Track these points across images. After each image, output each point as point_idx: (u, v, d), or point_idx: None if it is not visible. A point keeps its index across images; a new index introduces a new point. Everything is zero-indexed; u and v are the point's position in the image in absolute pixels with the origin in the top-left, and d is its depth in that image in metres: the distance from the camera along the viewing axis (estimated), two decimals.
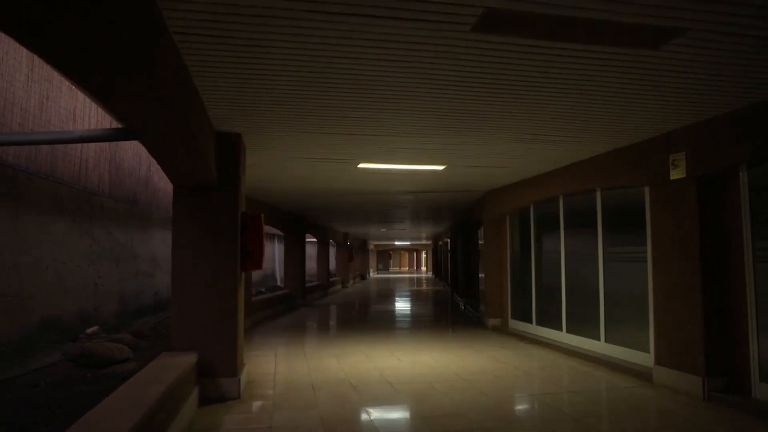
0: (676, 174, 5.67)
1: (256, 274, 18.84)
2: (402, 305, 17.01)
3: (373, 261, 51.24)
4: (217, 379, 5.41)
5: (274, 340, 9.53)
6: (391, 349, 8.43)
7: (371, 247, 46.47)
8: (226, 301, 5.52)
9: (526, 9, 2.93)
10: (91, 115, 8.86)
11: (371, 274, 46.70)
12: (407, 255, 66.28)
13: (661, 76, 4.08)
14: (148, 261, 11.41)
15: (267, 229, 21.23)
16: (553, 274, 8.80)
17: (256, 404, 5.27)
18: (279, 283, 21.89)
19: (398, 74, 4.01)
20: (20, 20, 2.01)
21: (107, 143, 9.42)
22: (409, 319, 13.11)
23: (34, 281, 6.98)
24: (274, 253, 23.45)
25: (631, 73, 4.00)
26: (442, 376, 6.44)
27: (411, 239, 38.40)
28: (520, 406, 5.25)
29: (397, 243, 47.72)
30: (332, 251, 29.06)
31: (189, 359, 4.95)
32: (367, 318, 13.41)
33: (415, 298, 20.28)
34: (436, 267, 36.61)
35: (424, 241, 42.27)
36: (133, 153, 10.77)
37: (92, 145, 8.77)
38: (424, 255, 62.19)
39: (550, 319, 8.84)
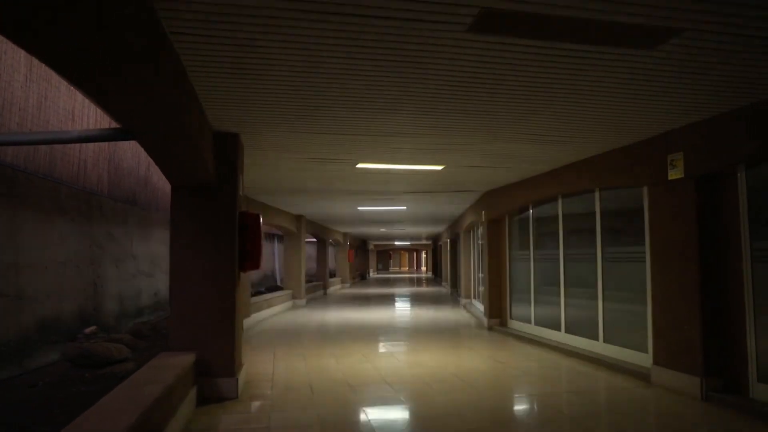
0: (675, 174, 5.67)
1: (255, 274, 18.84)
2: (401, 305, 17.01)
3: (372, 261, 51.22)
4: (215, 379, 5.41)
5: (273, 341, 9.54)
6: (390, 349, 8.43)
7: (371, 247, 46.47)
8: (224, 301, 5.52)
9: (523, 9, 2.93)
10: (90, 115, 8.86)
11: (371, 274, 46.69)
12: (407, 255, 66.30)
13: (657, 76, 4.08)
14: (147, 261, 11.41)
15: (267, 228, 21.24)
16: (551, 274, 8.80)
17: (254, 404, 5.27)
18: (279, 283, 21.89)
19: (395, 74, 4.01)
20: (14, 20, 2.01)
21: (106, 143, 9.42)
22: (408, 319, 13.11)
23: (33, 281, 6.98)
24: (274, 253, 23.45)
25: (627, 73, 4.01)
26: (440, 376, 6.44)
27: (411, 239, 38.42)
28: (519, 407, 5.25)
29: (397, 243, 47.73)
30: (332, 251, 29.07)
31: (187, 359, 4.95)
32: (366, 318, 13.40)
33: (415, 298, 20.28)
34: (436, 267, 36.61)
35: (424, 241, 42.28)
36: (132, 153, 10.77)
37: (91, 145, 8.77)
38: (424, 255, 62.20)
39: (548, 319, 8.84)
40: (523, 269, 9.96)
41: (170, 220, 5.62)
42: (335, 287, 24.45)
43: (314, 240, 22.99)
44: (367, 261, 42.79)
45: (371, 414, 4.93)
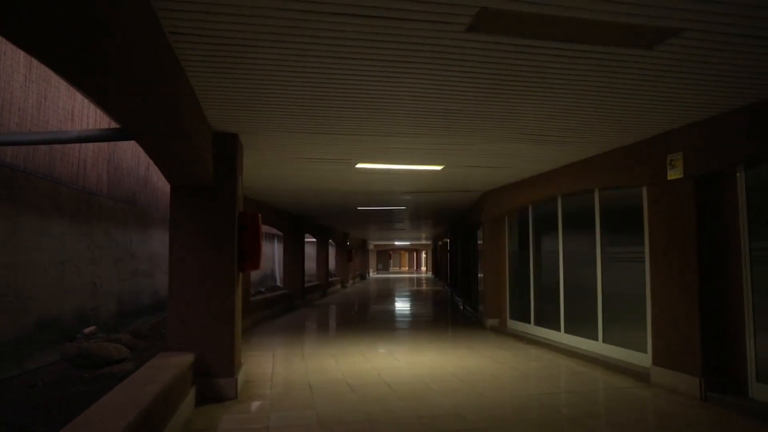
0: (674, 174, 5.67)
1: (255, 274, 18.84)
2: (401, 305, 17.01)
3: (372, 261, 51.23)
4: (214, 379, 5.41)
5: (273, 340, 9.54)
6: (389, 349, 8.43)
7: (371, 247, 46.47)
8: (223, 301, 5.52)
9: (521, 9, 2.93)
10: (90, 116, 8.86)
11: (371, 274, 46.69)
12: (407, 255, 66.30)
13: (656, 76, 4.08)
14: (147, 261, 11.41)
15: (267, 229, 21.24)
16: (551, 274, 8.80)
17: (254, 404, 5.27)
18: (279, 283, 21.89)
19: (393, 74, 4.01)
20: (12, 20, 2.01)
21: (106, 143, 9.42)
22: (407, 319, 13.11)
23: (32, 281, 6.98)
24: (274, 253, 23.45)
25: (626, 73, 4.01)
26: (439, 376, 6.44)
27: (411, 239, 38.42)
28: (518, 407, 5.25)
29: (396, 243, 47.73)
30: (332, 251, 29.07)
31: (186, 359, 4.95)
32: (365, 318, 13.41)
33: (414, 298, 20.29)
34: (436, 267, 36.61)
35: (423, 241, 42.27)
36: (132, 153, 10.77)
37: (90, 145, 8.77)
38: (424, 255, 62.20)
39: (548, 320, 8.84)
40: (523, 269, 9.95)
41: (169, 219, 5.62)
42: (335, 287, 24.45)
43: (314, 240, 22.98)
44: (367, 261, 42.77)
45: (371, 414, 4.93)
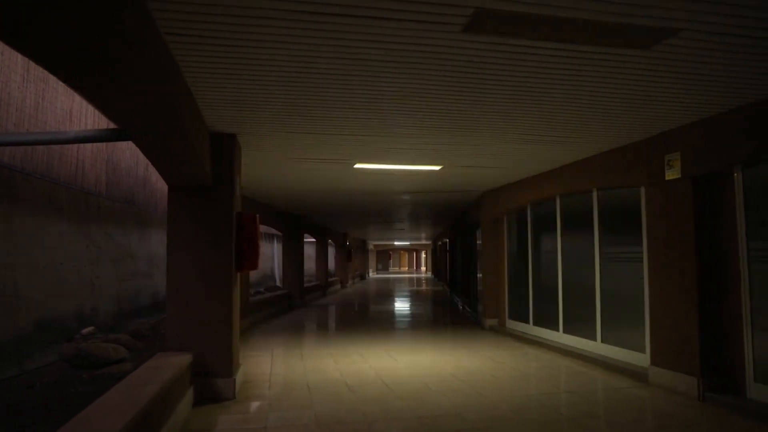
0: (672, 174, 5.67)
1: (255, 274, 18.84)
2: (400, 305, 17.01)
3: (372, 261, 51.23)
4: (212, 379, 5.41)
5: (272, 341, 9.53)
6: (388, 349, 8.43)
7: (371, 247, 46.46)
8: (222, 301, 5.52)
9: (517, 9, 2.92)
10: (88, 116, 8.86)
11: (370, 274, 46.69)
12: (407, 255, 66.29)
13: (654, 77, 4.08)
14: (146, 261, 11.41)
15: (266, 229, 21.23)
16: (550, 274, 8.80)
17: (252, 404, 5.27)
18: (278, 283, 21.89)
19: (390, 75, 4.01)
20: (7, 21, 2.01)
21: (104, 144, 9.42)
22: (406, 319, 13.11)
23: (31, 282, 6.97)
24: (273, 253, 23.45)
25: (624, 73, 4.01)
26: (438, 376, 6.44)
27: (410, 239, 38.42)
28: (517, 407, 5.25)
29: (396, 243, 47.73)
30: (331, 251, 29.06)
31: (184, 359, 4.95)
32: (364, 318, 13.41)
33: (414, 298, 20.29)
34: (436, 267, 36.61)
35: (423, 241, 42.27)
36: (131, 153, 10.77)
37: (89, 145, 8.77)
38: (423, 255, 62.20)
39: (547, 320, 8.84)
40: (522, 269, 9.95)
41: (167, 220, 5.62)
42: (335, 287, 24.45)
43: (313, 240, 22.98)
44: (367, 261, 42.77)
45: (370, 414, 4.92)
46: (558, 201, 8.48)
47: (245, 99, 4.57)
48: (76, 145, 8.29)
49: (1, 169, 6.39)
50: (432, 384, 6.04)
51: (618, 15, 3.01)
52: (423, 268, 62.25)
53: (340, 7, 2.91)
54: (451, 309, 15.70)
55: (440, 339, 9.57)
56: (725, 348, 5.28)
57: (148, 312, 11.29)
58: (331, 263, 28.30)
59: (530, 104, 4.79)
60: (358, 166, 7.78)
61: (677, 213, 5.61)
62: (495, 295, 10.88)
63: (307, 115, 5.10)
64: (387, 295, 22.12)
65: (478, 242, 12.92)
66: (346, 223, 20.48)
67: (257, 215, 6.02)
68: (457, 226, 18.02)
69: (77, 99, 8.43)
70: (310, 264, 24.64)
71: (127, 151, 10.63)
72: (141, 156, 11.15)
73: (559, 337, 8.30)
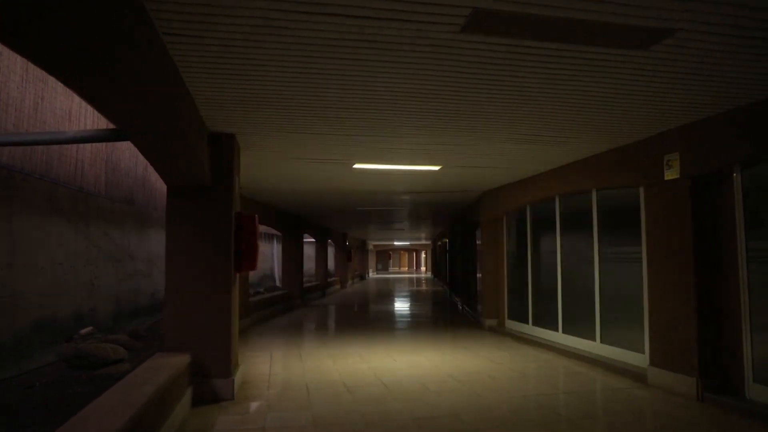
0: (671, 174, 5.67)
1: (254, 274, 18.84)
2: (399, 305, 17.01)
3: (372, 261, 51.22)
4: (210, 379, 5.41)
5: (271, 341, 9.53)
6: (387, 349, 8.42)
7: (370, 247, 46.47)
8: (220, 301, 5.51)
9: (515, 9, 2.92)
10: (87, 116, 8.86)
11: (370, 274, 46.69)
12: (407, 255, 66.28)
13: (652, 77, 4.07)
14: (145, 261, 11.41)
15: (266, 229, 21.24)
16: (549, 274, 8.79)
17: (250, 405, 5.27)
18: (278, 283, 21.89)
19: (389, 75, 4.01)
20: (6, 22, 2.01)
21: (104, 144, 9.42)
22: (406, 319, 13.11)
23: (30, 282, 6.97)
24: (273, 253, 23.45)
25: (622, 73, 4.00)
26: (436, 377, 6.43)
27: (410, 239, 38.41)
28: (515, 408, 5.25)
29: (396, 243, 47.73)
30: (331, 251, 29.05)
31: (182, 360, 4.95)
32: (364, 319, 13.41)
33: (413, 298, 20.28)
34: (436, 267, 36.60)
35: (423, 241, 42.27)
36: (130, 153, 10.77)
37: (88, 145, 8.77)
38: (423, 255, 62.20)
39: (546, 320, 8.83)
40: (521, 269, 9.95)
41: (166, 220, 5.61)
42: (334, 287, 24.45)
43: (313, 240, 22.97)
44: (366, 261, 42.77)
45: (368, 415, 4.92)
46: (557, 201, 8.48)
47: (244, 99, 4.57)
48: (75, 146, 8.28)
49: (1, 170, 6.39)
50: (430, 384, 6.03)
51: (615, 15, 3.01)
52: (423, 268, 62.24)
53: (339, 7, 2.91)
54: (451, 309, 15.70)
55: (439, 339, 9.56)
56: (724, 348, 5.27)
57: (148, 312, 11.29)
58: (331, 263, 28.29)
59: (528, 104, 4.79)
60: (357, 166, 7.78)
61: (676, 213, 5.61)
62: (494, 296, 10.88)
63: (306, 115, 5.10)
64: (386, 295, 22.12)
65: (477, 242, 12.92)
66: (346, 223, 20.48)
67: (256, 215, 6.02)
68: (456, 226, 18.01)
69: (76, 99, 8.43)
70: (309, 264, 24.65)
71: (127, 151, 10.62)
72: (140, 156, 11.15)
73: (558, 337, 8.30)
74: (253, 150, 6.59)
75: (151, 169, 11.78)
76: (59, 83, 7.80)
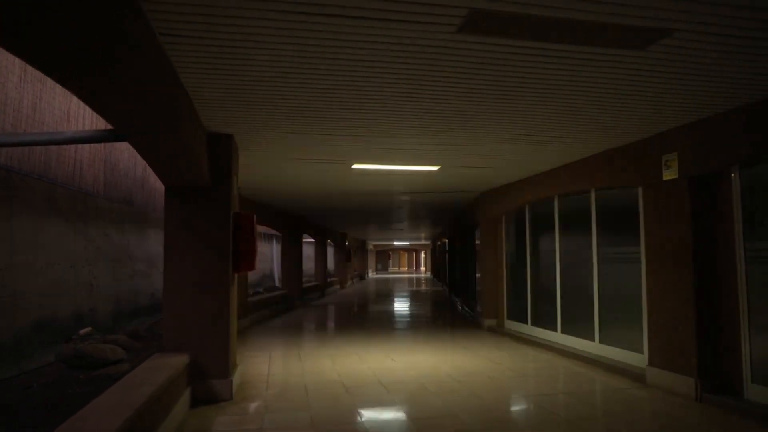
0: (669, 174, 5.67)
1: (254, 275, 18.84)
2: (399, 306, 17.00)
3: (372, 261, 51.24)
4: (209, 380, 5.41)
5: (270, 341, 9.53)
6: (386, 350, 8.42)
7: (370, 247, 46.48)
8: (218, 302, 5.51)
9: (512, 10, 2.92)
10: (86, 117, 8.85)
11: (370, 274, 46.69)
12: (406, 255, 66.29)
13: (650, 77, 4.07)
14: (144, 261, 11.41)
15: (265, 229, 21.23)
16: (548, 274, 8.79)
17: (249, 405, 5.27)
18: (277, 284, 21.89)
19: (386, 76, 4.01)
20: (4, 23, 2.01)
21: (102, 144, 9.42)
22: (405, 319, 13.10)
23: (28, 282, 6.97)
24: (273, 253, 23.45)
25: (620, 73, 4.00)
26: (435, 377, 6.43)
27: (410, 239, 38.42)
28: (513, 408, 5.25)
29: (396, 243, 47.74)
30: (330, 251, 29.06)
31: (180, 360, 4.94)
32: (363, 319, 13.40)
33: (413, 298, 20.28)
34: (435, 267, 36.61)
35: (423, 242, 42.27)
36: (129, 154, 10.76)
37: (87, 146, 8.76)
38: (423, 255, 62.20)
39: (545, 320, 8.83)
40: (520, 269, 9.95)
41: (164, 220, 5.61)
42: (334, 287, 24.44)
43: (312, 240, 22.97)
44: (366, 261, 42.77)
45: (366, 416, 4.92)
46: (556, 201, 8.48)
47: (242, 99, 4.57)
48: (73, 146, 8.28)
49: None
50: (429, 385, 6.03)
51: (612, 15, 3.01)
52: (422, 269, 62.26)
53: (337, 7, 2.91)
54: (450, 309, 15.70)
55: (438, 339, 9.56)
56: (723, 349, 5.27)
57: (147, 312, 11.29)
58: (331, 263, 28.29)
59: (526, 105, 4.79)
60: (355, 166, 7.78)
61: (675, 213, 5.61)
62: (493, 296, 10.88)
63: (304, 116, 5.10)
64: (386, 295, 22.11)
65: (476, 242, 12.92)
66: (346, 223, 20.48)
67: (254, 215, 6.02)
68: (456, 226, 18.02)
69: (75, 100, 8.43)
70: (309, 264, 24.65)
71: (126, 152, 10.62)
72: (139, 157, 11.13)
73: (558, 337, 8.30)
74: (251, 150, 6.59)
75: (150, 170, 11.79)
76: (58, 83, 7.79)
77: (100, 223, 9.22)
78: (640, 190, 6.31)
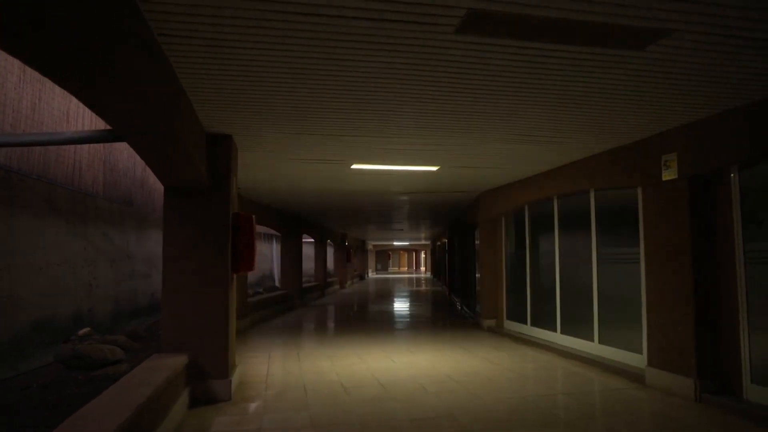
0: (668, 175, 5.67)
1: (254, 275, 18.83)
2: (399, 306, 17.00)
3: (371, 261, 51.23)
4: (207, 380, 5.40)
5: (269, 341, 9.53)
6: (385, 350, 8.42)
7: (370, 247, 46.47)
8: (217, 302, 5.51)
9: (509, 10, 2.92)
10: (85, 117, 8.85)
11: (370, 274, 46.68)
12: (406, 255, 66.28)
13: (649, 77, 4.07)
14: (144, 262, 11.40)
15: (265, 229, 21.22)
16: (547, 274, 8.79)
17: (247, 406, 5.26)
18: (277, 284, 21.88)
19: (385, 76, 4.00)
20: (3, 24, 2.00)
21: (101, 144, 9.41)
22: (404, 320, 13.10)
23: (27, 283, 6.97)
24: (272, 253, 23.44)
25: (618, 73, 4.00)
26: (434, 377, 6.43)
27: (410, 239, 38.41)
28: (513, 408, 5.24)
29: (396, 243, 47.72)
30: (330, 251, 29.05)
31: (179, 361, 4.94)
32: (363, 319, 13.40)
33: (412, 299, 20.28)
34: (435, 267, 36.60)
35: (423, 242, 42.26)
36: (128, 154, 10.76)
37: (86, 146, 8.76)
38: (423, 255, 62.19)
39: (544, 320, 8.83)
40: (519, 269, 9.94)
41: (163, 221, 5.61)
42: (334, 288, 24.44)
43: (312, 240, 22.97)
44: (366, 261, 42.77)
45: (365, 416, 4.92)
46: (555, 201, 8.47)
47: (241, 100, 4.57)
48: (72, 147, 8.28)
49: None
50: (428, 385, 6.03)
51: (611, 16, 3.01)
52: (422, 269, 62.25)
53: (335, 8, 2.90)
54: (450, 309, 15.69)
55: (438, 340, 9.56)
56: (722, 349, 5.27)
57: (147, 312, 11.28)
58: (330, 263, 28.28)
59: (525, 105, 4.78)
60: (355, 166, 7.77)
61: (674, 214, 5.61)
62: (493, 296, 10.87)
63: (303, 116, 5.10)
64: (386, 295, 22.11)
65: (476, 242, 12.92)
66: (345, 223, 20.48)
67: (253, 216, 6.02)
68: (455, 226, 18.02)
69: (74, 100, 8.43)
70: (309, 264, 24.63)
71: (125, 152, 10.62)
72: (138, 157, 11.13)
73: (557, 337, 8.29)
74: (251, 150, 6.58)
75: (149, 170, 11.78)
76: None
77: (99, 223, 9.21)
78: (639, 191, 6.30)
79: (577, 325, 7.80)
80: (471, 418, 4.80)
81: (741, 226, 5.13)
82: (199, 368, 5.38)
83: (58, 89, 7.92)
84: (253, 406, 5.26)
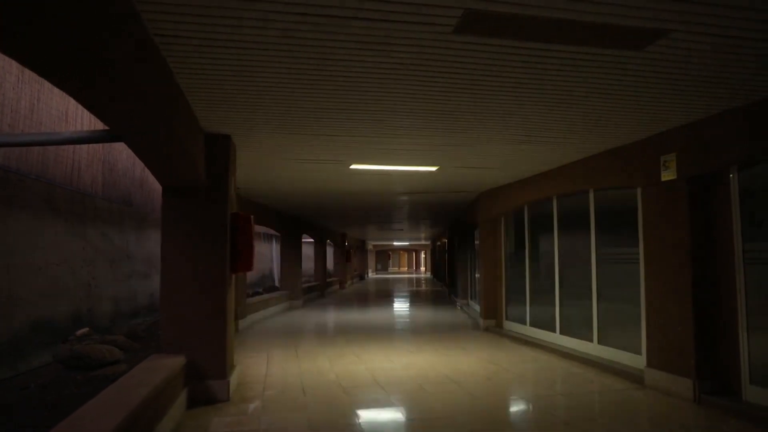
0: (668, 175, 5.66)
1: (253, 275, 18.84)
2: (398, 306, 17.00)
3: (371, 261, 51.23)
4: (206, 381, 5.40)
5: (268, 342, 9.52)
6: (384, 350, 8.41)
7: (370, 247, 46.46)
8: (216, 302, 5.50)
9: (507, 10, 2.91)
10: (84, 117, 8.85)
11: (370, 274, 46.68)
12: (406, 255, 66.28)
13: (647, 77, 4.07)
14: (143, 262, 11.40)
15: (265, 229, 21.23)
16: (547, 275, 8.78)
17: (246, 406, 5.25)
18: (277, 284, 21.88)
19: (383, 76, 4.00)
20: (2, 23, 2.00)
21: (100, 144, 9.41)
22: (404, 320, 13.10)
23: (26, 283, 6.96)
24: (272, 253, 23.44)
25: (617, 74, 3.99)
26: (433, 378, 6.42)
27: (410, 239, 38.42)
28: (511, 409, 5.24)
29: (395, 243, 47.73)
30: (330, 251, 29.04)
31: (177, 361, 4.94)
32: (362, 319, 13.39)
33: (412, 299, 20.27)
34: (435, 267, 36.60)
35: (423, 242, 42.26)
36: (128, 154, 10.76)
37: (85, 146, 8.76)
38: (423, 255, 62.19)
39: (543, 321, 8.82)
40: (519, 270, 9.94)
41: (161, 221, 5.61)
42: (334, 288, 24.44)
43: (312, 240, 22.97)
44: (366, 261, 42.76)
45: (363, 417, 4.91)
46: (555, 202, 8.47)
47: (239, 100, 4.56)
48: (71, 147, 8.28)
49: None
50: (427, 386, 6.02)
51: (609, 16, 3.00)
52: (422, 269, 62.24)
53: (333, 8, 2.90)
54: (450, 310, 15.69)
55: (437, 340, 9.55)
56: (721, 350, 5.26)
57: (146, 312, 11.28)
58: (330, 263, 28.27)
59: (524, 105, 4.78)
60: (353, 166, 7.77)
61: (673, 214, 5.60)
62: (492, 296, 10.87)
63: (301, 116, 5.09)
64: (385, 295, 22.11)
65: (476, 243, 12.92)
66: (345, 223, 20.48)
67: (252, 216, 6.01)
68: (455, 226, 18.02)
69: (72, 100, 8.42)
70: (308, 264, 24.63)
71: (124, 152, 10.61)
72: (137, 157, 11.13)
73: (556, 338, 8.29)
74: (249, 150, 6.58)
75: (148, 171, 11.78)
76: None
77: (98, 223, 9.21)
78: (638, 191, 6.30)
79: (576, 325, 7.79)
80: (469, 419, 4.80)
81: (740, 227, 5.12)
82: (197, 368, 5.37)
83: (56, 90, 7.92)
84: (252, 406, 5.25)
